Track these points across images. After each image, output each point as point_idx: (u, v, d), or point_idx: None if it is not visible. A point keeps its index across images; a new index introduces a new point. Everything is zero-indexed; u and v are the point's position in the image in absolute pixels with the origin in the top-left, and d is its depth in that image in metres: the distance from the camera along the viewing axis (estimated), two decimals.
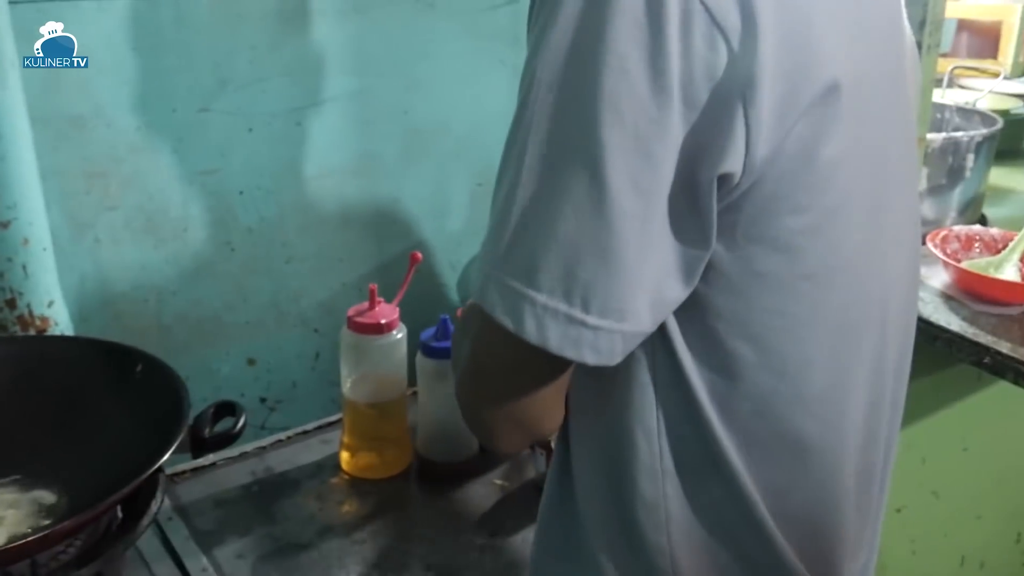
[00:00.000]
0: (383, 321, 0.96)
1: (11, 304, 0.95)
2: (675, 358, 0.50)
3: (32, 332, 0.96)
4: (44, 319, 0.98)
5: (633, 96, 0.43)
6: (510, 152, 0.48)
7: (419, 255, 1.04)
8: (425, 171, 1.28)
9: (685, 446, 0.51)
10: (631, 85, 0.43)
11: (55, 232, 0.99)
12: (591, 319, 0.46)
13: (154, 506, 0.78)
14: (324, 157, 1.19)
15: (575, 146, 0.45)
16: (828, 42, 0.46)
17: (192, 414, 0.81)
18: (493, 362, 0.52)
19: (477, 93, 1.29)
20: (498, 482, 1.01)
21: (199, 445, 0.79)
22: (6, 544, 0.69)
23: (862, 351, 0.54)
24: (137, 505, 0.78)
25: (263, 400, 1.23)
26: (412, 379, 1.05)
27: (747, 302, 0.49)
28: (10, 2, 0.89)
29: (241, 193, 1.13)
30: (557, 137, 0.46)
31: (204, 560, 0.87)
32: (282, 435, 1.11)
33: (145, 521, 0.77)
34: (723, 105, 0.44)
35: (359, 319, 0.97)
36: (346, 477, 1.02)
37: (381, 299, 0.99)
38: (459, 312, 1.06)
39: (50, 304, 0.98)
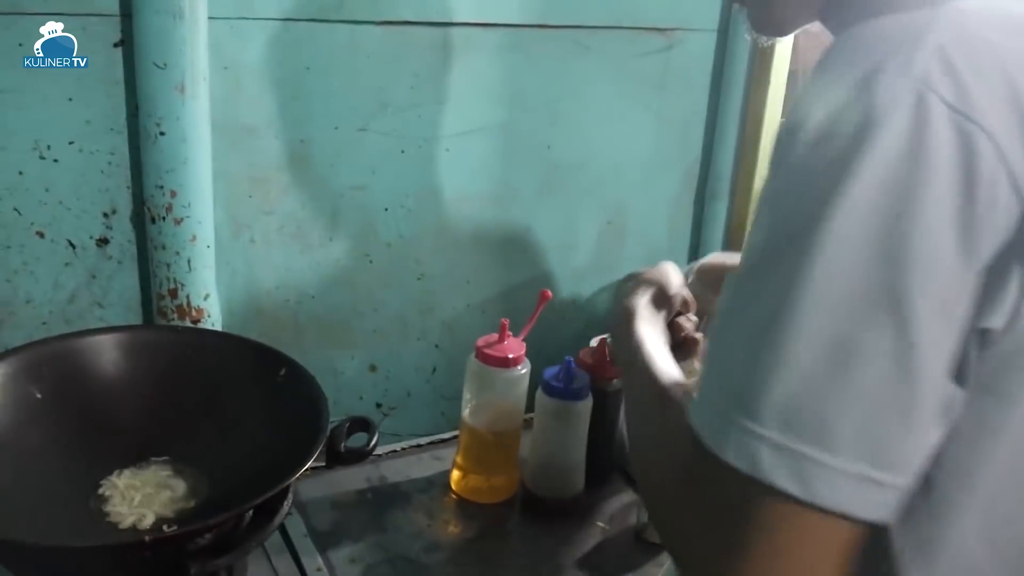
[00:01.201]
0: (510, 356, 1.00)
1: (173, 294, 1.03)
2: None
3: (187, 321, 1.04)
4: (199, 310, 1.05)
5: (942, 260, 0.44)
6: (765, 292, 0.47)
7: (549, 293, 1.07)
8: (559, 205, 1.31)
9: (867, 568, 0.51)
10: (942, 249, 0.44)
11: (217, 229, 1.06)
12: (886, 477, 0.45)
13: (285, 507, 0.84)
14: (465, 183, 1.23)
15: (883, 307, 0.44)
16: None
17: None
18: (752, 522, 0.47)
19: (618, 135, 1.32)
20: (600, 524, 1.03)
21: (333, 457, 0.84)
22: (156, 530, 0.75)
23: None
24: (270, 503, 0.84)
25: (379, 405, 1.29)
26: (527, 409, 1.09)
27: (969, 447, 0.49)
28: (209, 18, 0.97)
29: (386, 210, 1.19)
30: (862, 294, 0.44)
31: (319, 560, 0.93)
32: (397, 446, 1.16)
33: (276, 520, 0.82)
34: (1003, 265, 0.45)
35: (488, 351, 1.00)
36: (454, 496, 1.06)
37: (510, 333, 1.03)
38: (580, 355, 1.09)
39: (206, 297, 1.06)
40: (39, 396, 0.89)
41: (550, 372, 1.02)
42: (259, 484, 0.80)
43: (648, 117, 1.33)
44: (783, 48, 1.30)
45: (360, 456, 0.84)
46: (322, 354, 1.21)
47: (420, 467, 1.11)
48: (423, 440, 1.18)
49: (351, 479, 1.07)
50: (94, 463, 0.89)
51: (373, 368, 1.27)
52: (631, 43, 1.26)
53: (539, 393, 1.02)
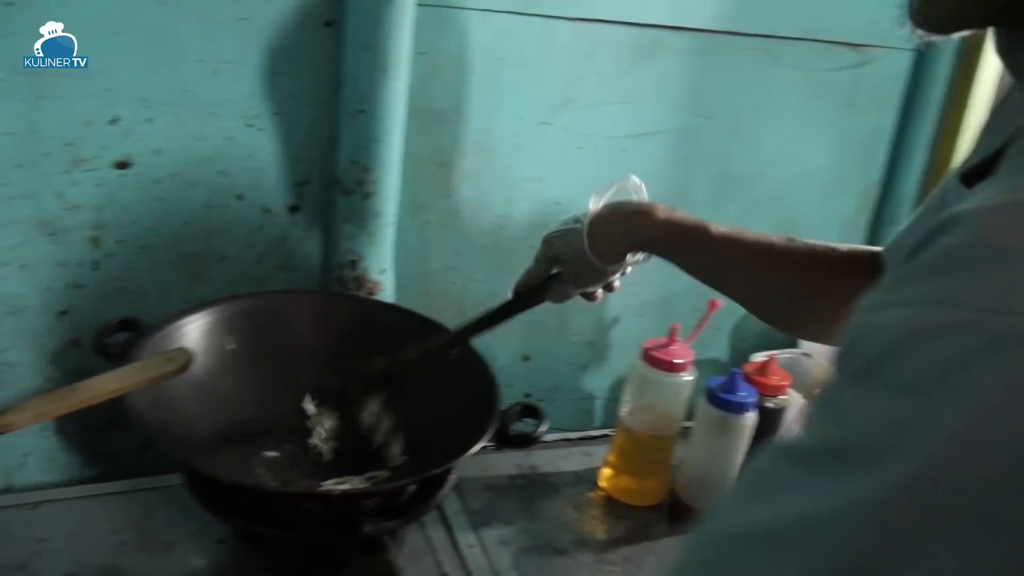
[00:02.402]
0: (678, 361, 0.99)
1: (353, 265, 1.08)
2: None
3: (363, 293, 1.08)
4: (375, 283, 1.09)
5: None
6: None
7: (718, 302, 1.06)
8: (729, 216, 1.28)
9: None
10: None
11: (398, 208, 1.10)
12: None
13: (451, 481, 0.86)
14: None
15: None
16: None
17: None
18: None
19: (798, 150, 1.29)
20: None
21: (501, 439, 0.85)
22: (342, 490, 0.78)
23: None
24: (437, 476, 0.86)
25: (527, 395, 1.30)
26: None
27: None
28: (417, 4, 1.00)
29: (558, 204, 1.20)
30: None
31: (472, 537, 0.95)
32: (548, 438, 1.17)
33: (443, 492, 0.85)
34: None
35: (655, 353, 1.00)
36: (602, 494, 1.06)
37: (678, 338, 1.02)
38: (746, 370, 1.07)
39: (382, 271, 1.10)
40: (231, 347, 0.94)
41: (715, 382, 1.01)
42: (430, 456, 0.83)
43: (831, 134, 1.29)
44: (988, 74, 1.23)
45: (528, 441, 0.86)
46: (480, 339, 1.23)
47: (569, 461, 1.12)
48: (573, 435, 1.19)
49: (502, 463, 1.09)
50: (276, 415, 0.93)
51: (526, 358, 1.28)
52: (822, 57, 1.23)
53: (702, 402, 1.01)
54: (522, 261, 1.22)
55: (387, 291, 1.11)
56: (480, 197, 1.16)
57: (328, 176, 1.07)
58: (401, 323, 1.01)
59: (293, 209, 1.08)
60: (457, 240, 1.17)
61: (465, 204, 1.16)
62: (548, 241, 0.86)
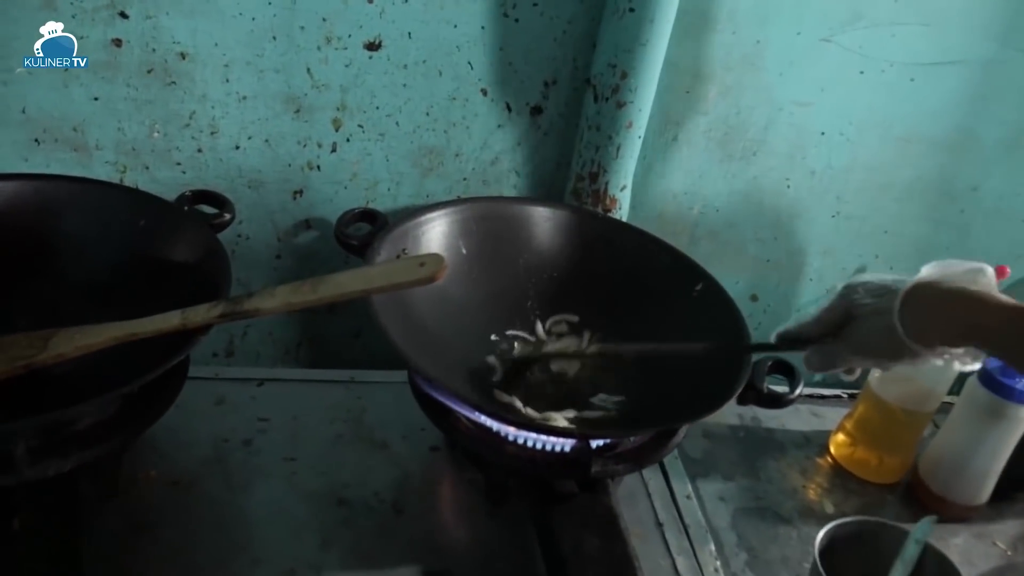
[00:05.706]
0: None
1: (593, 177, 1.00)
2: None
3: (600, 208, 1.01)
4: (613, 200, 1.02)
5: None
6: None
7: (1007, 270, 0.92)
8: (1017, 169, 1.11)
9: None
10: None
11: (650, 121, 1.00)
12: None
13: (681, 433, 0.80)
14: (920, 121, 1.08)
15: None
16: None
17: None
18: None
19: None
20: (1001, 546, 0.90)
21: (751, 396, 0.77)
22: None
23: None
24: None
25: None
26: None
27: None
28: None
29: (822, 134, 1.07)
30: None
31: (689, 487, 0.89)
32: None
33: (674, 441, 0.78)
34: None
35: None
36: (831, 461, 0.97)
37: None
38: None
39: (622, 188, 1.02)
40: (464, 252, 0.90)
41: (996, 362, 0.87)
42: (665, 402, 0.77)
43: None
44: None
45: (780, 403, 0.77)
46: (708, 271, 1.14)
47: (796, 419, 1.03)
48: (807, 391, 1.09)
49: (724, 411, 1.00)
50: (498, 328, 0.90)
51: (754, 298, 1.18)
52: None
53: (973, 381, 0.88)
54: (771, 194, 1.11)
55: (623, 210, 1.03)
56: (737, 116, 1.04)
57: (580, 78, 0.99)
58: (645, 250, 0.93)
59: (536, 110, 1.01)
60: (703, 162, 1.07)
61: (719, 123, 1.04)
62: (851, 286, 0.71)
